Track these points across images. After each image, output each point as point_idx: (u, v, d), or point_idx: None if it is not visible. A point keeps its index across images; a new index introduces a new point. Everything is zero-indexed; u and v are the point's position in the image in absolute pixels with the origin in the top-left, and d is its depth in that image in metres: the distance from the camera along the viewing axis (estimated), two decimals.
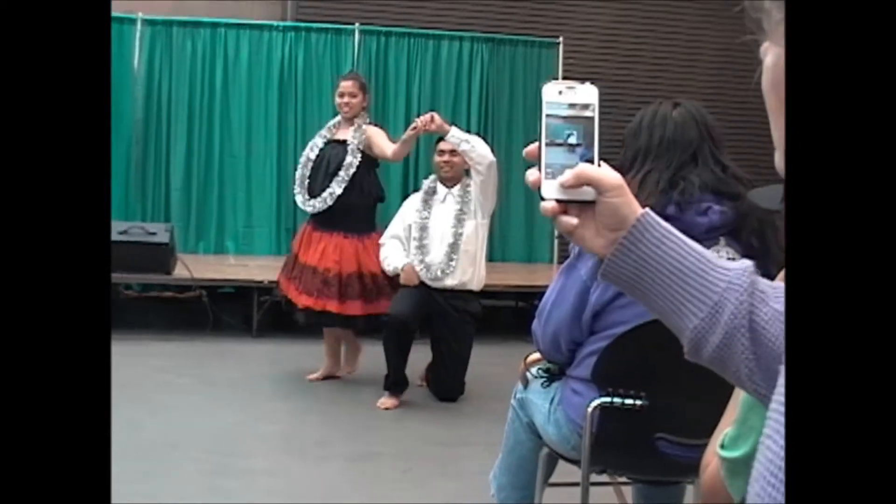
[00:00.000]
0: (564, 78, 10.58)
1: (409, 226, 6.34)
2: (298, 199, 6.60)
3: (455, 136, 5.97)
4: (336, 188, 6.37)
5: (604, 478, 3.38)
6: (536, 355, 3.25)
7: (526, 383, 3.31)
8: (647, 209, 1.34)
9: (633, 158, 2.95)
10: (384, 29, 10.57)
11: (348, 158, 6.38)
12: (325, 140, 6.57)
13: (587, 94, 1.35)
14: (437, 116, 5.94)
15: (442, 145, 6.30)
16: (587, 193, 1.32)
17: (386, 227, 6.44)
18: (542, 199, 1.32)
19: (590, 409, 2.88)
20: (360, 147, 6.39)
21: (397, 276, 6.20)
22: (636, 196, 2.76)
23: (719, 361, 1.34)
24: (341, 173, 6.38)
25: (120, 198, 10.02)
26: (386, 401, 6.13)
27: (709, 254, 1.36)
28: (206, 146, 10.15)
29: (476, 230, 6.28)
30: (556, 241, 10.50)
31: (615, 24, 11.13)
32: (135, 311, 9.66)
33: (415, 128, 6.00)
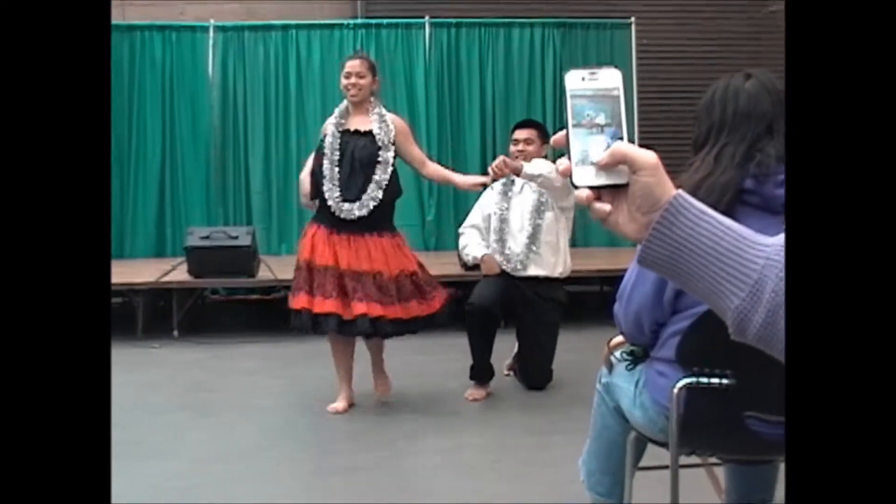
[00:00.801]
0: (639, 58, 10.55)
1: (489, 216, 6.31)
2: (331, 202, 5.69)
3: (527, 173, 5.87)
4: (377, 192, 5.69)
5: (694, 459, 3.33)
6: (620, 338, 3.21)
7: (610, 367, 3.27)
8: (680, 190, 1.30)
9: (708, 133, 2.89)
10: (454, 20, 10.55)
11: (384, 155, 5.70)
12: (340, 130, 5.79)
13: (611, 78, 1.32)
14: (507, 160, 5.70)
15: (517, 133, 6.26)
16: (620, 177, 1.29)
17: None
18: (575, 187, 1.30)
19: (675, 391, 2.83)
20: (392, 142, 5.73)
21: (419, 273, 5.87)
22: (712, 172, 2.71)
23: (765, 340, 1.30)
24: (378, 175, 5.70)
25: (201, 203, 10.17)
26: (473, 392, 6.11)
27: (745, 231, 1.32)
28: (283, 147, 10.24)
29: (556, 220, 6.23)
30: None
31: (687, 1, 10.99)
32: (222, 315, 9.79)
33: (489, 175, 5.77)
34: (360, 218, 5.68)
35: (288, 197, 10.21)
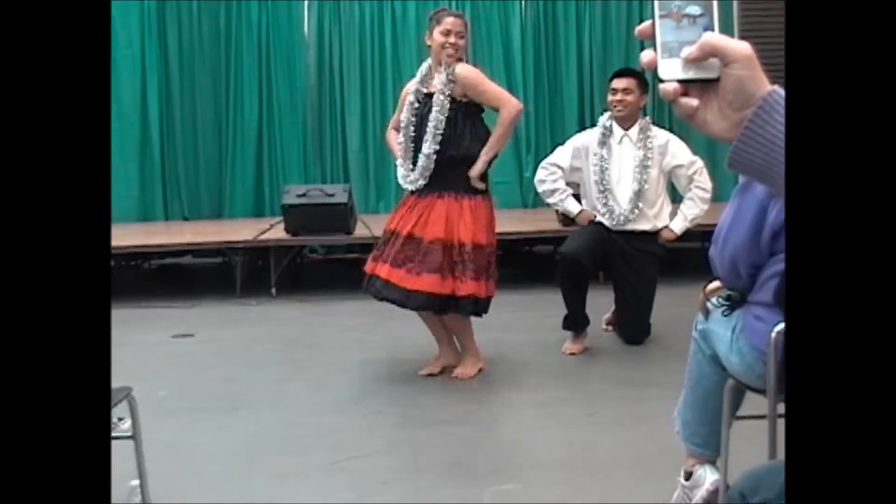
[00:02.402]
0: (742, 22, 10.28)
1: (587, 167, 6.20)
2: (400, 172, 5.55)
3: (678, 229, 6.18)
4: (431, 151, 5.34)
5: None
6: (716, 284, 3.13)
7: (707, 314, 3.18)
8: (775, 86, 1.20)
9: None
10: None
11: (434, 112, 5.34)
12: (421, 96, 5.48)
13: None
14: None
15: (615, 83, 6.16)
16: (710, 70, 1.19)
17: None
18: (660, 80, 1.20)
19: (774, 335, 2.74)
20: (452, 94, 5.34)
21: (482, 250, 5.47)
22: None
23: None
24: (429, 130, 5.34)
25: (299, 163, 10.27)
26: (570, 345, 6.04)
27: None
28: (380, 106, 10.25)
29: (659, 177, 6.13)
30: (739, 180, 10.18)
31: None
32: (319, 274, 9.87)
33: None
34: (434, 180, 5.39)
35: (384, 155, 10.20)
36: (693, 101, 1.22)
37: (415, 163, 5.44)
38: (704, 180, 6.15)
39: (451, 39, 5.37)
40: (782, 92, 1.19)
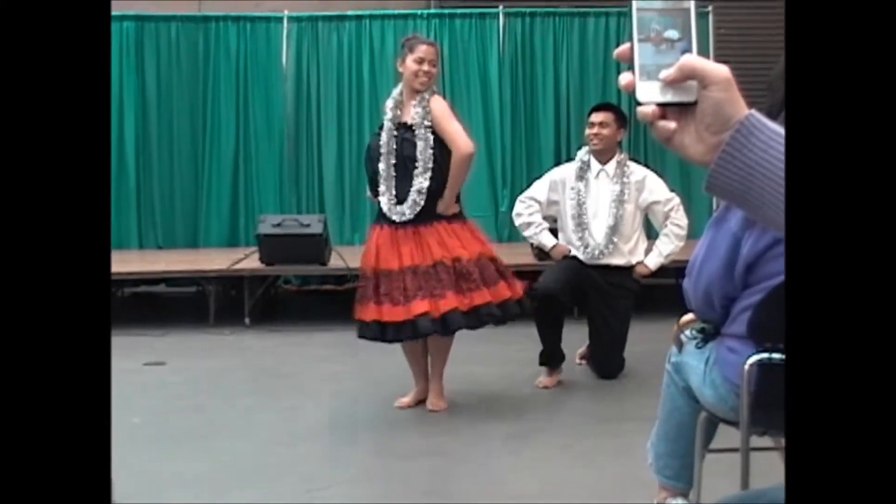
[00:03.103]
0: (717, 47, 10.38)
1: (563, 201, 6.22)
2: (383, 200, 5.42)
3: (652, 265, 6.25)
4: (422, 183, 5.31)
5: (766, 442, 3.24)
6: (690, 316, 3.14)
7: (680, 346, 3.19)
8: (753, 110, 1.20)
9: (783, 102, 2.80)
10: (528, 10, 10.48)
11: (420, 146, 5.31)
12: (395, 124, 5.44)
13: None
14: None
15: (592, 117, 6.20)
16: (688, 93, 1.20)
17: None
18: (638, 103, 1.21)
19: (747, 367, 2.75)
20: (429, 125, 5.32)
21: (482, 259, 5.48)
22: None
23: None
24: (420, 165, 5.31)
25: (274, 193, 10.24)
26: (544, 379, 6.04)
27: None
28: (356, 137, 10.23)
29: (635, 213, 6.16)
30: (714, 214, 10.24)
31: None
32: (293, 305, 9.84)
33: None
34: (422, 212, 5.35)
35: (360, 187, 10.20)
36: (671, 124, 1.22)
37: (397, 191, 5.38)
38: (680, 217, 6.18)
39: (425, 67, 5.36)
40: (760, 116, 1.20)
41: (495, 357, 6.71)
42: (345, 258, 8.27)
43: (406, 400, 5.62)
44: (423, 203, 5.34)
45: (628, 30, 1.23)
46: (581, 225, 6.14)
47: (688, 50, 1.21)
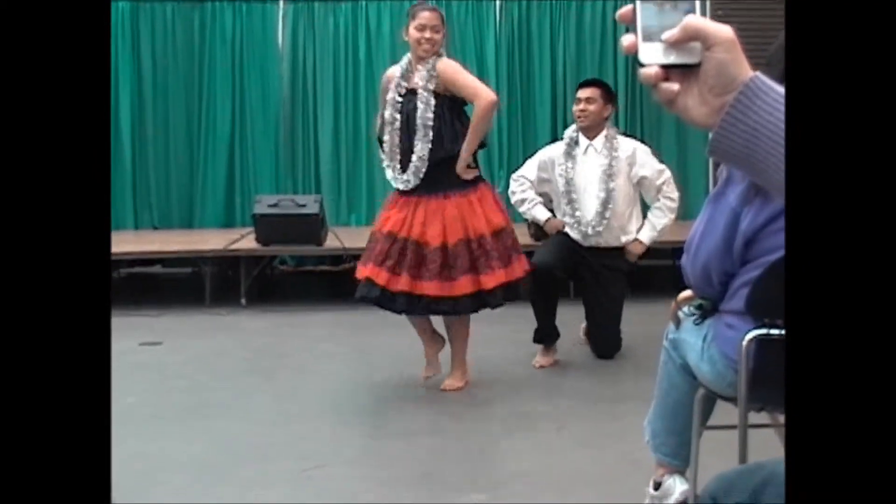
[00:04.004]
0: (714, 10, 10.33)
1: (554, 179, 6.21)
2: (389, 172, 5.42)
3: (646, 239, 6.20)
4: (423, 150, 5.25)
5: (764, 419, 3.23)
6: (688, 293, 3.12)
7: (678, 323, 3.18)
8: (758, 72, 1.18)
9: (781, 77, 2.78)
10: None
11: (420, 107, 5.24)
12: (403, 91, 5.37)
13: None
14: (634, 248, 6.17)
15: (580, 93, 6.19)
16: (692, 55, 1.18)
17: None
18: (641, 64, 1.19)
19: (745, 343, 2.74)
20: (435, 90, 5.26)
21: (504, 232, 5.47)
22: None
23: None
24: (419, 131, 5.24)
25: (270, 174, 10.22)
26: (541, 359, 6.03)
27: None
28: (353, 119, 10.21)
29: (627, 188, 6.14)
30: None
31: None
32: (290, 285, 9.83)
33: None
34: (422, 182, 5.30)
35: (357, 167, 10.22)
36: (674, 86, 1.20)
37: (402, 161, 5.33)
38: (672, 190, 6.17)
39: (427, 34, 5.28)
40: (764, 78, 1.18)
41: (492, 338, 6.69)
42: (341, 238, 8.26)
43: (426, 372, 5.57)
44: (425, 169, 5.27)
45: None
46: (571, 202, 6.12)
47: (691, 11, 1.19)
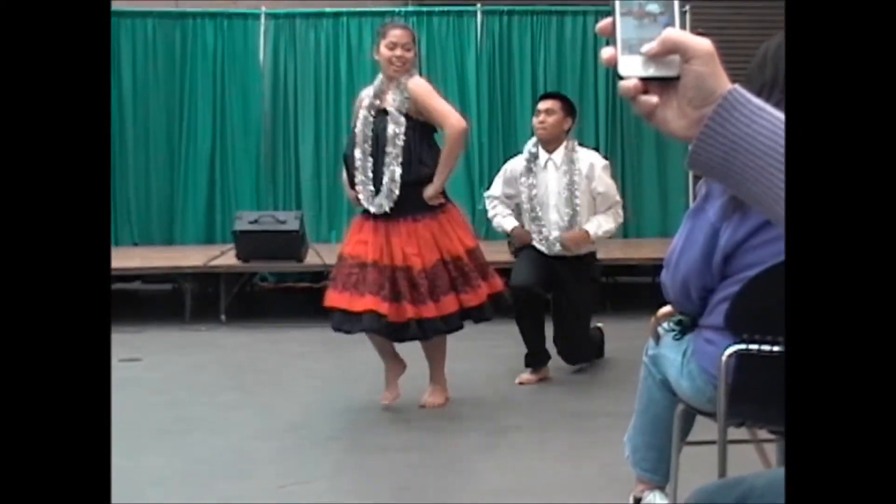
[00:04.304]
0: (694, 25, 10.37)
1: (518, 193, 6.14)
2: (363, 196, 5.26)
3: (591, 230, 5.98)
4: (395, 171, 5.16)
5: (743, 434, 3.24)
6: (667, 308, 3.13)
7: (657, 338, 3.18)
8: (737, 85, 1.19)
9: (759, 93, 2.79)
10: (506, 8, 10.47)
11: (391, 128, 5.15)
12: (374, 112, 5.27)
13: None
14: (573, 239, 5.95)
15: (539, 105, 6.11)
16: (671, 68, 1.19)
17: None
18: (620, 77, 1.20)
19: (724, 358, 2.74)
20: (406, 111, 5.18)
21: (477, 251, 5.46)
22: None
23: None
24: (390, 153, 5.16)
25: (251, 191, 10.21)
26: (526, 376, 6.01)
27: None
28: (334, 135, 10.20)
29: (588, 199, 6.07)
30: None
31: None
32: (270, 302, 9.81)
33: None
34: (400, 208, 5.20)
35: (337, 184, 10.09)
36: (653, 99, 1.20)
37: (375, 182, 5.23)
38: (619, 214, 6.17)
39: (398, 52, 5.20)
40: (742, 90, 1.19)
41: (471, 353, 6.69)
42: (321, 255, 8.25)
43: (386, 395, 5.47)
44: (397, 192, 5.17)
45: (612, 4, 1.22)
46: (536, 219, 6.07)
47: (670, 24, 1.20)
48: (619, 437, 3.60)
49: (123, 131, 10.17)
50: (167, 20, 10.28)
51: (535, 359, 6.05)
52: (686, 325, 3.02)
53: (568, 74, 10.47)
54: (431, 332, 5.28)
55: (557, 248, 6.04)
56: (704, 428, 3.14)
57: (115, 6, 10.04)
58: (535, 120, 6.10)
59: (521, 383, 5.98)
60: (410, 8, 10.57)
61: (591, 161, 6.11)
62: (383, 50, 5.24)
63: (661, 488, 3.36)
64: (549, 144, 6.06)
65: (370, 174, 5.24)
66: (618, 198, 6.17)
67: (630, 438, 3.43)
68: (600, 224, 6.03)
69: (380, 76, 5.35)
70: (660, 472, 3.34)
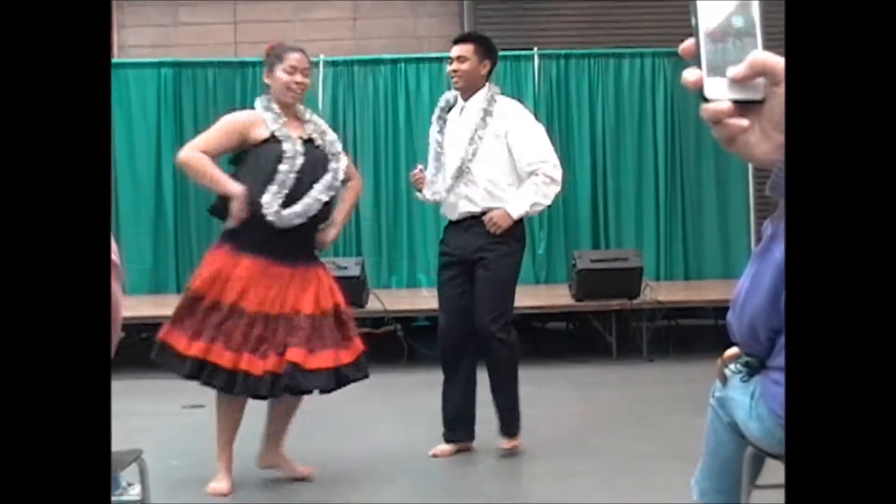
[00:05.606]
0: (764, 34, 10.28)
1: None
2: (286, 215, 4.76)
3: (515, 212, 5.32)
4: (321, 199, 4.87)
5: None
6: (734, 350, 3.09)
7: (724, 381, 3.15)
8: None
9: None
10: (563, 52, 10.49)
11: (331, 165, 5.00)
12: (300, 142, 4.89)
13: None
14: (500, 217, 5.28)
15: (451, 51, 5.46)
16: (756, 91, 1.16)
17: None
18: (705, 99, 1.16)
19: None
20: (320, 144, 5.00)
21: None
22: None
23: None
24: (322, 180, 4.90)
25: None
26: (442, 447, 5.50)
27: None
28: (393, 180, 10.25)
29: (499, 146, 5.36)
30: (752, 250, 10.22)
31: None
32: None
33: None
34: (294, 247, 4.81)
35: (397, 229, 10.25)
36: (743, 121, 1.17)
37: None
38: (548, 181, 5.39)
39: (297, 78, 4.87)
40: None
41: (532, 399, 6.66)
42: (382, 301, 8.27)
43: (220, 486, 4.88)
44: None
45: (694, 24, 1.18)
46: (438, 165, 5.52)
47: (754, 46, 1.18)
48: (684, 480, 3.56)
49: (185, 179, 10.25)
50: (227, 69, 10.43)
51: (455, 424, 5.53)
52: (753, 367, 2.99)
53: (626, 117, 10.47)
54: (288, 388, 4.83)
55: (443, 198, 5.47)
56: (774, 470, 3.10)
57: (176, 57, 10.25)
58: (448, 69, 5.45)
59: (434, 455, 5.45)
60: None
61: (507, 110, 5.50)
62: (281, 74, 4.85)
63: None
64: (466, 92, 5.44)
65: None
66: (542, 158, 5.37)
67: (698, 482, 3.38)
68: (525, 198, 5.34)
69: (263, 102, 4.94)
70: None
